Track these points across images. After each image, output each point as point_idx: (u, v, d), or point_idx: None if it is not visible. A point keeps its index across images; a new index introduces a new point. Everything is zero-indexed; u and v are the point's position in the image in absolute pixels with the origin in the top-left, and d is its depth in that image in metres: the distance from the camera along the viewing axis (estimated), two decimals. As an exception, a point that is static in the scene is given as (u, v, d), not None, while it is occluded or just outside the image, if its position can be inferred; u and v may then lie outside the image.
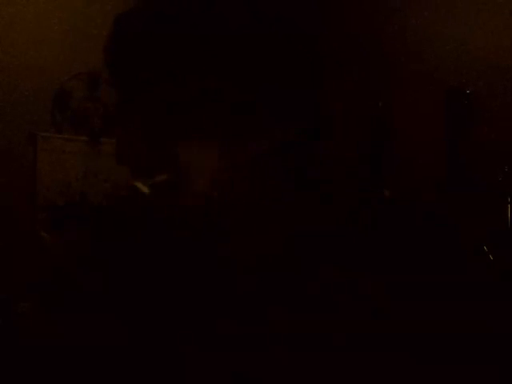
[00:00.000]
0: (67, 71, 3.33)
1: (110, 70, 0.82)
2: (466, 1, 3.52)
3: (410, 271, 0.86)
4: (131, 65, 0.79)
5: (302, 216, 0.85)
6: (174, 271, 0.87)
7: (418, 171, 3.41)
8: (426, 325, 0.76)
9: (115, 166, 0.86)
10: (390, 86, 3.67)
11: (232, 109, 0.79)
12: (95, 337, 0.89)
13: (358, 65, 3.67)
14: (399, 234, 0.94)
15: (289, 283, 0.81)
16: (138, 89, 0.80)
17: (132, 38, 0.79)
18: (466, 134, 3.36)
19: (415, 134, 3.51)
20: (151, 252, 0.91)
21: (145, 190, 0.85)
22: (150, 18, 0.79)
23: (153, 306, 0.87)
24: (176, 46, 0.77)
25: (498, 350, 0.75)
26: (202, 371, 0.79)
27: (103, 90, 3.45)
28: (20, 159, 3.18)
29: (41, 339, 0.97)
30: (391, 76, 3.67)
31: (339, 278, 0.82)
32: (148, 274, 0.90)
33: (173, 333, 0.83)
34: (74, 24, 3.36)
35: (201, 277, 0.85)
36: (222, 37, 0.77)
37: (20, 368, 0.92)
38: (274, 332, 0.77)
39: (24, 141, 3.20)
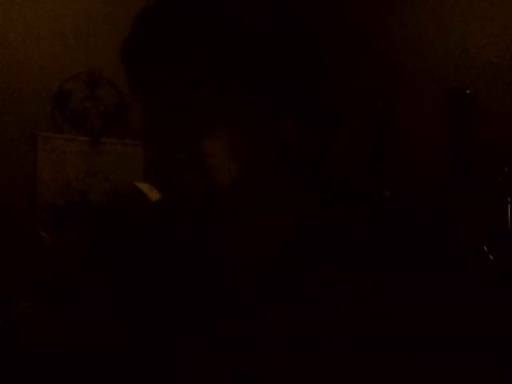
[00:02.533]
0: (67, 71, 3.33)
1: (127, 69, 0.82)
2: (466, 1, 3.52)
3: (409, 271, 0.86)
4: (149, 63, 0.79)
5: (302, 215, 0.85)
6: (173, 271, 0.87)
7: (419, 170, 3.41)
8: (425, 325, 0.76)
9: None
10: (393, 85, 3.67)
11: (239, 107, 0.79)
12: (95, 337, 0.89)
13: (362, 64, 3.66)
14: (399, 233, 0.94)
15: (289, 283, 0.81)
16: (156, 87, 0.80)
17: (150, 37, 0.79)
18: (467, 133, 3.36)
19: (417, 134, 3.51)
20: (151, 251, 0.91)
21: (145, 190, 0.85)
22: (167, 16, 0.79)
23: (153, 306, 0.87)
24: (189, 43, 0.77)
25: (498, 349, 0.75)
26: (202, 371, 0.79)
27: (103, 89, 3.45)
28: (20, 159, 3.18)
29: (41, 339, 0.97)
30: (393, 76, 3.67)
31: (339, 277, 0.81)
32: (148, 273, 0.90)
33: (173, 333, 0.83)
34: (74, 24, 3.36)
35: (201, 277, 0.85)
36: (230, 31, 0.77)
37: (20, 368, 0.92)
38: (274, 332, 0.77)
39: (24, 141, 3.20)
